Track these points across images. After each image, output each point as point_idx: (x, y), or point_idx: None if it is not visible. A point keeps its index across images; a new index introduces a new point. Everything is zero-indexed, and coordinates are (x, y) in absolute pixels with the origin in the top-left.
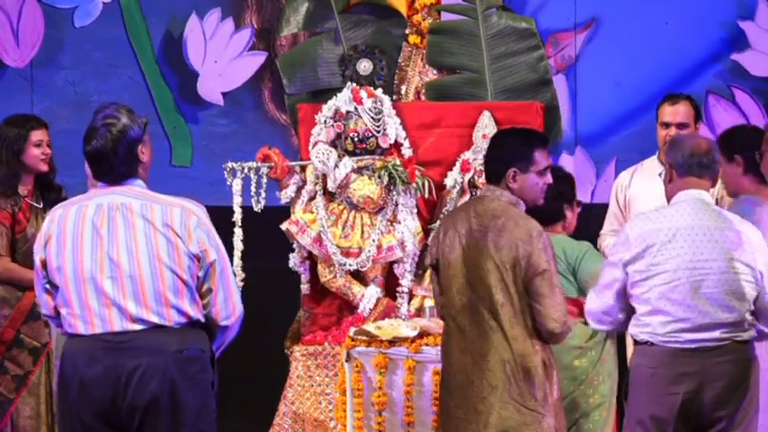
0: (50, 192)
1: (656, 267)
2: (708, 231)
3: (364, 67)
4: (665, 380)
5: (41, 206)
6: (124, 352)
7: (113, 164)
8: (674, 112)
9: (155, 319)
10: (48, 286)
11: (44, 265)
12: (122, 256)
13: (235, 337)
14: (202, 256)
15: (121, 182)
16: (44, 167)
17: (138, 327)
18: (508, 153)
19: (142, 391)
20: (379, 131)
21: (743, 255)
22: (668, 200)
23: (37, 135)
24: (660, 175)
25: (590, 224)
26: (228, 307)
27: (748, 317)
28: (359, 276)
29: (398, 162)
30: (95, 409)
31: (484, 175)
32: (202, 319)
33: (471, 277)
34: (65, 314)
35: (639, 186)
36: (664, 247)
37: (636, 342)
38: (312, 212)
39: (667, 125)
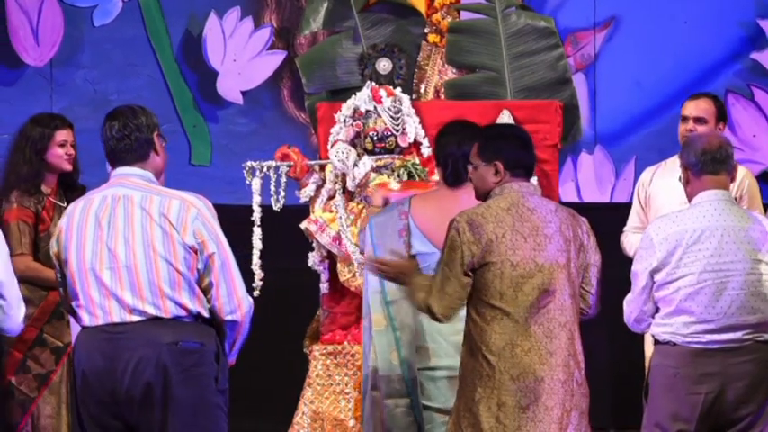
0: (74, 192)
1: (682, 269)
2: (732, 232)
3: (383, 65)
4: (688, 380)
5: (65, 206)
6: (122, 343)
7: (137, 140)
8: (693, 107)
9: (151, 310)
10: (63, 280)
11: (57, 258)
12: (119, 246)
13: (248, 333)
14: (200, 248)
15: (135, 162)
16: (68, 167)
17: (135, 318)
18: None
19: (137, 381)
20: (398, 130)
21: (767, 254)
22: (690, 202)
23: (62, 135)
24: (679, 179)
25: (610, 223)
26: (232, 301)
27: None
28: None
29: (418, 161)
30: (97, 400)
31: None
32: (205, 313)
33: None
34: (74, 306)
35: (659, 184)
36: (689, 249)
37: (657, 342)
38: (331, 211)
39: (685, 119)
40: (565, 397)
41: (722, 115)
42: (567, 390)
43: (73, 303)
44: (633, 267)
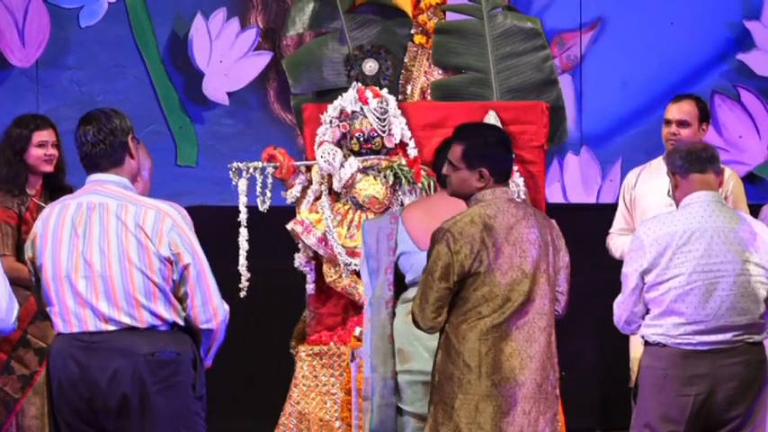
0: (61, 192)
1: (672, 270)
2: (722, 233)
3: (370, 66)
4: (677, 381)
5: None
6: (98, 353)
7: (112, 145)
8: (676, 109)
9: (126, 320)
10: (37, 284)
11: (32, 263)
12: (95, 255)
13: (224, 339)
14: (175, 259)
15: (111, 168)
16: (47, 168)
17: (111, 327)
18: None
19: (113, 392)
20: (384, 131)
21: (757, 256)
22: (678, 206)
23: (41, 136)
24: (668, 193)
25: (596, 224)
26: (208, 311)
27: (761, 319)
28: None
29: (404, 162)
30: (73, 409)
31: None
32: (180, 322)
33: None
34: (49, 312)
35: (644, 186)
36: (679, 249)
37: (647, 343)
38: (317, 212)
39: (668, 122)
40: (539, 399)
41: (705, 116)
42: (543, 393)
43: (47, 308)
44: (623, 269)
